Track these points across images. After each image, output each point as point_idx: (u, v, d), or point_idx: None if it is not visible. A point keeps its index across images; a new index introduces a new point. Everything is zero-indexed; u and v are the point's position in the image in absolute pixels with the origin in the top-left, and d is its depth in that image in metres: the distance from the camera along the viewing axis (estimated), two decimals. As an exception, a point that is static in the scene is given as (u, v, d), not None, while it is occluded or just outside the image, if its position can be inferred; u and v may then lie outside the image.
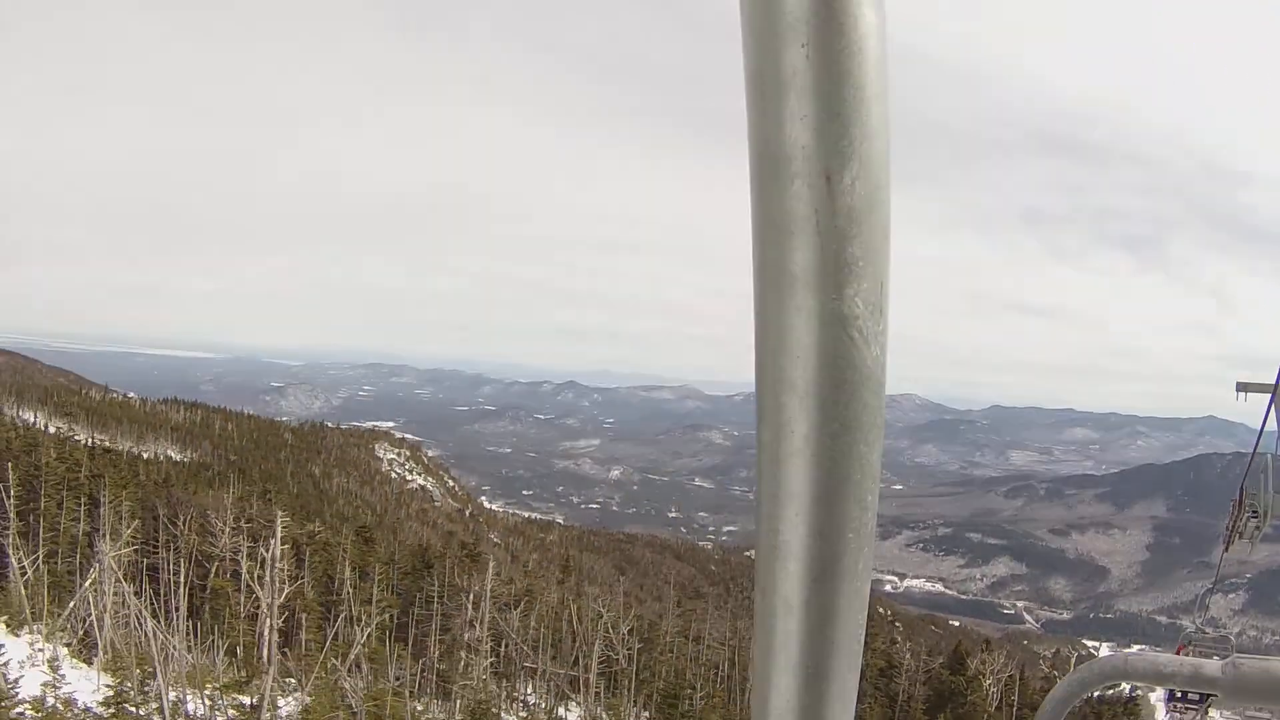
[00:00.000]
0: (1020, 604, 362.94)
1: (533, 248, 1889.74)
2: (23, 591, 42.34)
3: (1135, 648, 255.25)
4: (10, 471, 52.98)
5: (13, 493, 51.39)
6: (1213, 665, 4.26)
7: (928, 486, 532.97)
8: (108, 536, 47.70)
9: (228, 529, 56.48)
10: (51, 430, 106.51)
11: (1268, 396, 25.14)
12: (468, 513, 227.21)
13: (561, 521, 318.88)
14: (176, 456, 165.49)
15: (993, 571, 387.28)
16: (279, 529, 40.39)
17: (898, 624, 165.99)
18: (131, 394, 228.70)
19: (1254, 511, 26.67)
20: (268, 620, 37.25)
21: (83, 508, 59.18)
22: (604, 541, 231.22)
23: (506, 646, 62.53)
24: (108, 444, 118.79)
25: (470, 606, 59.88)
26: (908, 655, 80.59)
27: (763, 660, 1.45)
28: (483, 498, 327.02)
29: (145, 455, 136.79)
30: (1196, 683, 4.23)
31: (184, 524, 56.91)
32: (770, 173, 1.10)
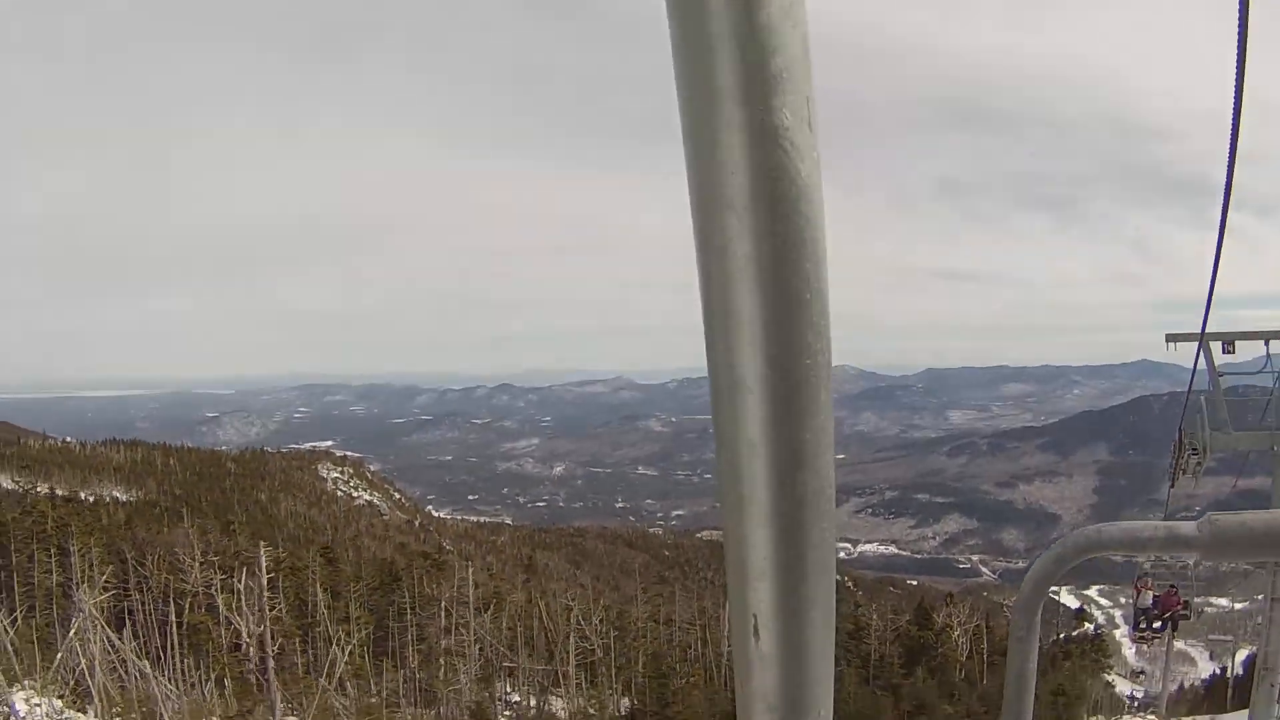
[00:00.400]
0: (975, 558, 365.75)
1: (454, 258, 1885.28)
2: (9, 647, 42.48)
3: (1094, 588, 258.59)
4: None
5: None
6: (1188, 526, 4.04)
7: (870, 453, 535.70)
8: (85, 584, 47.86)
9: (197, 564, 56.68)
10: (6, 485, 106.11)
11: (1195, 345, 26.75)
12: (417, 523, 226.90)
13: (510, 522, 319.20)
14: (123, 497, 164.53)
15: (944, 529, 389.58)
16: (264, 560, 40.78)
17: (857, 589, 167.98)
18: (69, 438, 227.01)
19: (1194, 449, 28.55)
20: (260, 650, 37.67)
21: (53, 558, 59.22)
22: (555, 538, 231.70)
23: (482, 649, 63.06)
24: (64, 493, 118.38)
25: (443, 614, 60.49)
26: (874, 616, 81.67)
27: (734, 511, 1.40)
28: (429, 507, 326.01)
29: (91, 498, 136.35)
30: (1173, 545, 4.13)
31: (153, 563, 57.13)
32: None
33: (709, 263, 1.24)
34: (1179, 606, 39.24)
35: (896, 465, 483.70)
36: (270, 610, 45.60)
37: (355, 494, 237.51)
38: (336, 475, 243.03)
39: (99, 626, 41.29)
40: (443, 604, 61.50)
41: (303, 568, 65.05)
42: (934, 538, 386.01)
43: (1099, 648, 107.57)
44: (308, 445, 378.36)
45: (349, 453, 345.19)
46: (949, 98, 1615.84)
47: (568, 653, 57.90)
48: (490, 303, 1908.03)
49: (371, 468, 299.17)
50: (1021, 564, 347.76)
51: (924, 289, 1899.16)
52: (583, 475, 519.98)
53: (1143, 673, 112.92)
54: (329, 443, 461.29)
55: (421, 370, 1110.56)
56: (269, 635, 36.40)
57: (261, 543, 49.30)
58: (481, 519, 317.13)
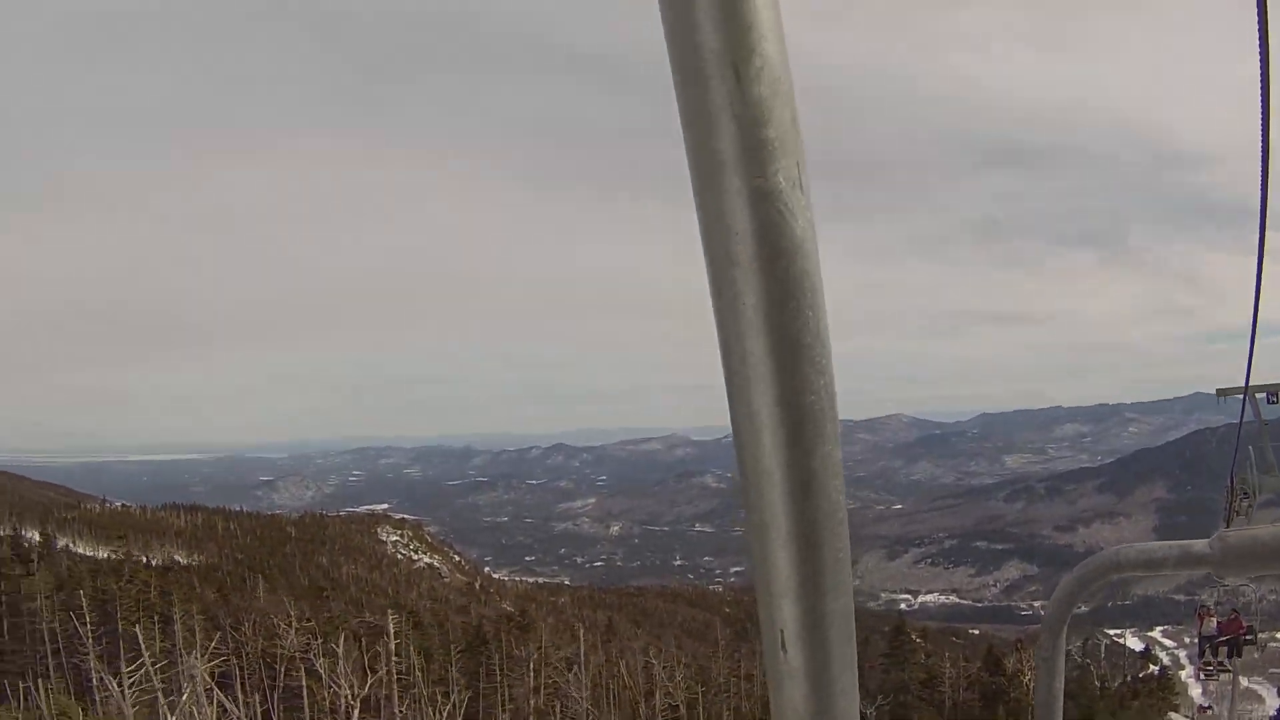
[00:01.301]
0: (1036, 604, 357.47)
1: (506, 318, 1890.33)
2: (128, 713, 43.02)
3: (1158, 629, 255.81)
4: (83, 598, 53.98)
5: (88, 618, 52.39)
6: (1200, 544, 4.38)
7: (927, 502, 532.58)
8: (195, 651, 48.58)
9: (294, 628, 57.34)
10: (81, 551, 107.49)
11: (1242, 398, 27.56)
12: (478, 585, 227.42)
13: (568, 583, 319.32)
14: (184, 560, 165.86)
15: (1004, 576, 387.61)
16: (390, 627, 41.27)
17: (924, 640, 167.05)
18: (125, 502, 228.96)
19: (1244, 492, 30.04)
20: (365, 713, 38.18)
21: (156, 625, 60.17)
22: (615, 598, 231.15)
23: (565, 706, 63.38)
24: (161, 561, 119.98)
25: (531, 674, 60.94)
26: (947, 665, 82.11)
27: (758, 536, 1.54)
28: (487, 568, 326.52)
29: (154, 562, 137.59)
30: (1186, 563, 4.42)
31: (249, 629, 57.93)
32: (689, 72, 1.24)
33: (723, 313, 1.40)
34: (1242, 632, 39.82)
35: (954, 513, 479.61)
36: (372, 674, 46.31)
37: (415, 556, 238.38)
38: (396, 538, 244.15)
39: (213, 691, 41.93)
40: (530, 664, 61.94)
41: (399, 632, 65.69)
42: (995, 585, 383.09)
43: (1165, 686, 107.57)
44: (364, 508, 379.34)
45: (405, 515, 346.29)
46: (981, 139, 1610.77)
47: (653, 710, 58.16)
48: (543, 363, 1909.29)
49: (429, 530, 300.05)
50: (1084, 608, 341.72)
51: (972, 333, 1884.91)
52: (640, 534, 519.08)
53: (1209, 708, 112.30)
54: (384, 505, 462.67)
55: (476, 432, 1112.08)
56: (393, 696, 36.89)
57: (390, 612, 50.11)
58: (539, 580, 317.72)
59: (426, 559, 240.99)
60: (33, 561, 65.66)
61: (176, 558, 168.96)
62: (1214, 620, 41.03)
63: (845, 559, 1.60)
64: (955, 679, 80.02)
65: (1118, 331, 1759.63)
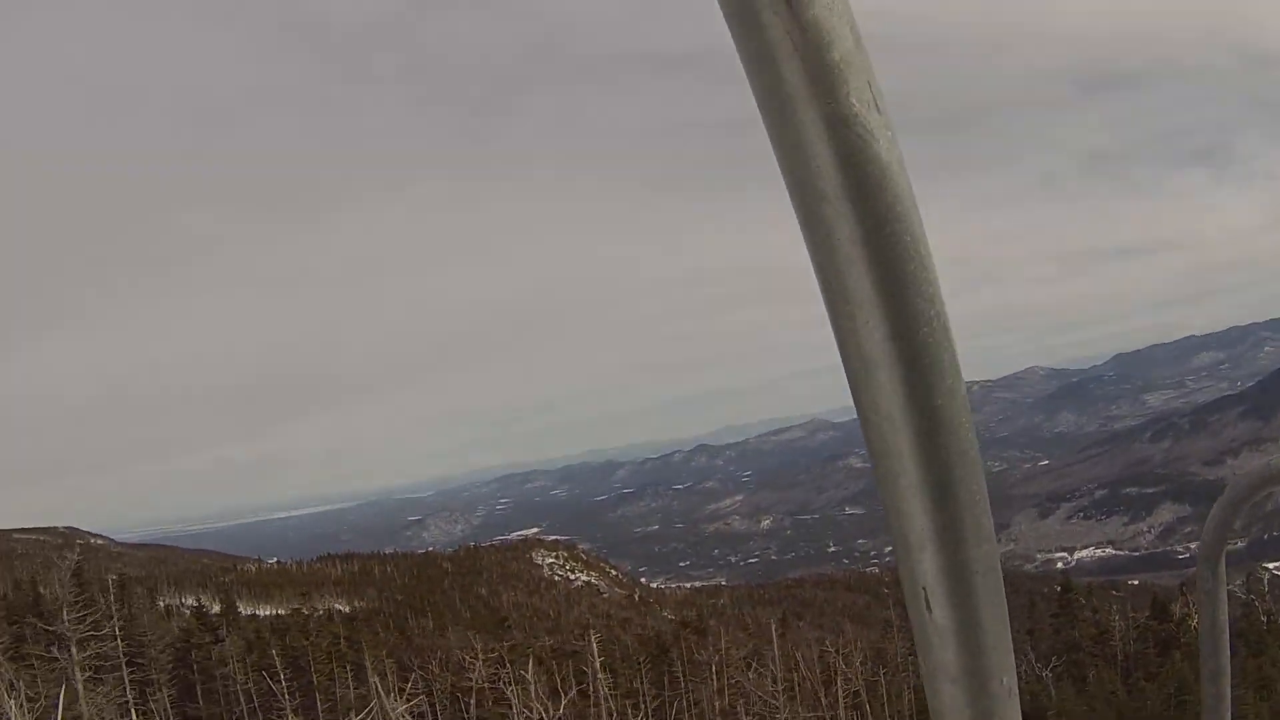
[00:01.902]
0: (1193, 546, 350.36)
1: (633, 329, 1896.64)
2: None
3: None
4: (275, 656, 55.43)
5: (282, 675, 53.88)
6: None
7: (1073, 453, 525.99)
8: (393, 693, 49.67)
9: (480, 661, 58.25)
10: (248, 612, 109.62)
11: None
12: (637, 597, 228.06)
13: (725, 583, 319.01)
14: (345, 609, 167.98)
15: (1158, 520, 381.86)
16: (594, 647, 41.94)
17: (1089, 597, 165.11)
18: (278, 559, 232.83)
19: None
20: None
21: (349, 673, 61.56)
22: (773, 592, 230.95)
23: (748, 704, 63.72)
24: (345, 609, 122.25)
25: (714, 676, 61.55)
26: (1115, 617, 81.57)
27: (888, 487, 1.44)
28: (643, 579, 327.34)
29: (319, 612, 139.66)
30: None
31: (435, 666, 59.12)
32: (739, 7, 1.25)
33: (818, 254, 1.32)
34: None
35: (1100, 462, 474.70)
36: (565, 694, 47.12)
37: (572, 576, 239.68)
38: (551, 560, 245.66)
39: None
40: (712, 667, 62.51)
41: (580, 652, 66.32)
42: (1149, 531, 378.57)
43: None
44: (515, 535, 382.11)
45: (557, 537, 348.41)
46: (1075, 69, 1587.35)
47: (834, 697, 58.45)
48: (674, 366, 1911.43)
49: (582, 548, 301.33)
50: (1241, 543, 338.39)
51: (1094, 272, 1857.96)
52: (791, 524, 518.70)
53: None
54: (534, 530, 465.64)
55: (616, 444, 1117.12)
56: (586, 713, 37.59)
57: (591, 633, 50.98)
58: (696, 584, 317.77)
59: (584, 577, 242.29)
60: (220, 628, 67.41)
61: (338, 606, 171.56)
62: None
63: (984, 501, 1.48)
64: (1125, 631, 79.32)
65: (1240, 248, 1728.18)
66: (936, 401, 1.36)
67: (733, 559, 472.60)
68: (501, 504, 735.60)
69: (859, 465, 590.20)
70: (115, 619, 54.09)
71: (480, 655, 57.09)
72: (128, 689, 54.04)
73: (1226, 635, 4.72)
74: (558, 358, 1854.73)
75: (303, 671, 60.84)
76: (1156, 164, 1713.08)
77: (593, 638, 49.76)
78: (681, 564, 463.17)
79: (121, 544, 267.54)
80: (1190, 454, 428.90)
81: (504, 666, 56.77)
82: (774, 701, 59.68)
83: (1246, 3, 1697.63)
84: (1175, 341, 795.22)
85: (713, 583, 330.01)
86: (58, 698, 38.10)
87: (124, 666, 54.74)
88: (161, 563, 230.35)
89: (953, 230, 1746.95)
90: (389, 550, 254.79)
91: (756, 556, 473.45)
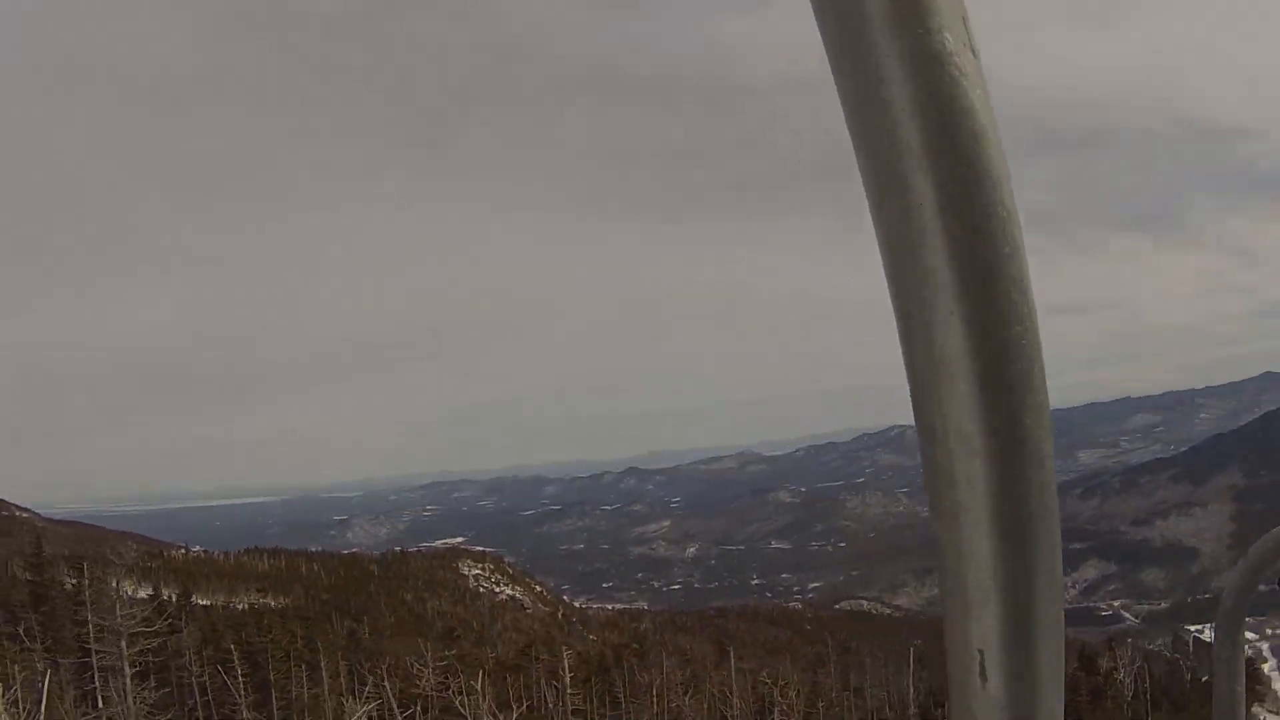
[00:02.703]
0: (1116, 603, 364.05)
1: (571, 345, 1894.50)
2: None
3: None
4: (234, 650, 56.85)
5: (239, 670, 55.29)
6: None
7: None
8: (349, 696, 51.25)
9: (430, 670, 59.62)
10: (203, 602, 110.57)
11: None
12: (560, 614, 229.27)
13: (647, 607, 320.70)
14: (272, 604, 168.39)
15: (1083, 576, 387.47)
16: (566, 662, 43.64)
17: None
18: (201, 548, 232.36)
19: None
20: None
21: (304, 672, 62.86)
22: (696, 620, 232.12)
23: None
24: (251, 606, 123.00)
25: (654, 699, 63.29)
26: None
27: (950, 524, 1.24)
28: (565, 596, 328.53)
29: (241, 606, 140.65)
30: None
31: (384, 671, 60.54)
32: None
33: (888, 221, 1.12)
34: None
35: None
36: (518, 706, 48.90)
37: (498, 589, 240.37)
38: (478, 571, 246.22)
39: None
40: (653, 690, 64.22)
41: (526, 666, 67.96)
42: (1073, 586, 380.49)
43: (1253, 676, 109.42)
44: (439, 542, 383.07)
45: (481, 548, 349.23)
46: (1026, 125, 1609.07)
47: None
48: (611, 386, 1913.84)
49: (508, 561, 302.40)
50: (1164, 605, 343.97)
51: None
52: (716, 554, 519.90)
53: None
54: (460, 539, 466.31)
55: (547, 460, 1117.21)
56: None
57: (564, 648, 52.80)
58: (619, 606, 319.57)
59: (509, 591, 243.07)
60: (179, 618, 68.25)
61: (265, 601, 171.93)
62: None
63: (1058, 549, 1.28)
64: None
65: (1181, 314, 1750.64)
66: (1024, 420, 1.15)
67: (656, 584, 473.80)
68: (428, 510, 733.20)
69: (788, 500, 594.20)
70: (88, 605, 55.25)
71: (430, 664, 58.61)
72: (95, 676, 55.19)
73: (1242, 707, 4.78)
74: (495, 368, 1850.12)
75: (259, 668, 62.09)
76: (1101, 225, 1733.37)
77: (565, 655, 51.61)
78: (604, 585, 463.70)
79: (46, 519, 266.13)
80: (1119, 513, 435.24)
81: (455, 676, 58.45)
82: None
83: (1198, 76, 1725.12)
84: (1111, 401, 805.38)
85: (635, 606, 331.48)
86: (41, 686, 39.20)
87: (93, 654, 55.93)
88: (88, 542, 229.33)
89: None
90: (313, 548, 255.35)
91: (680, 583, 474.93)
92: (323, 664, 61.01)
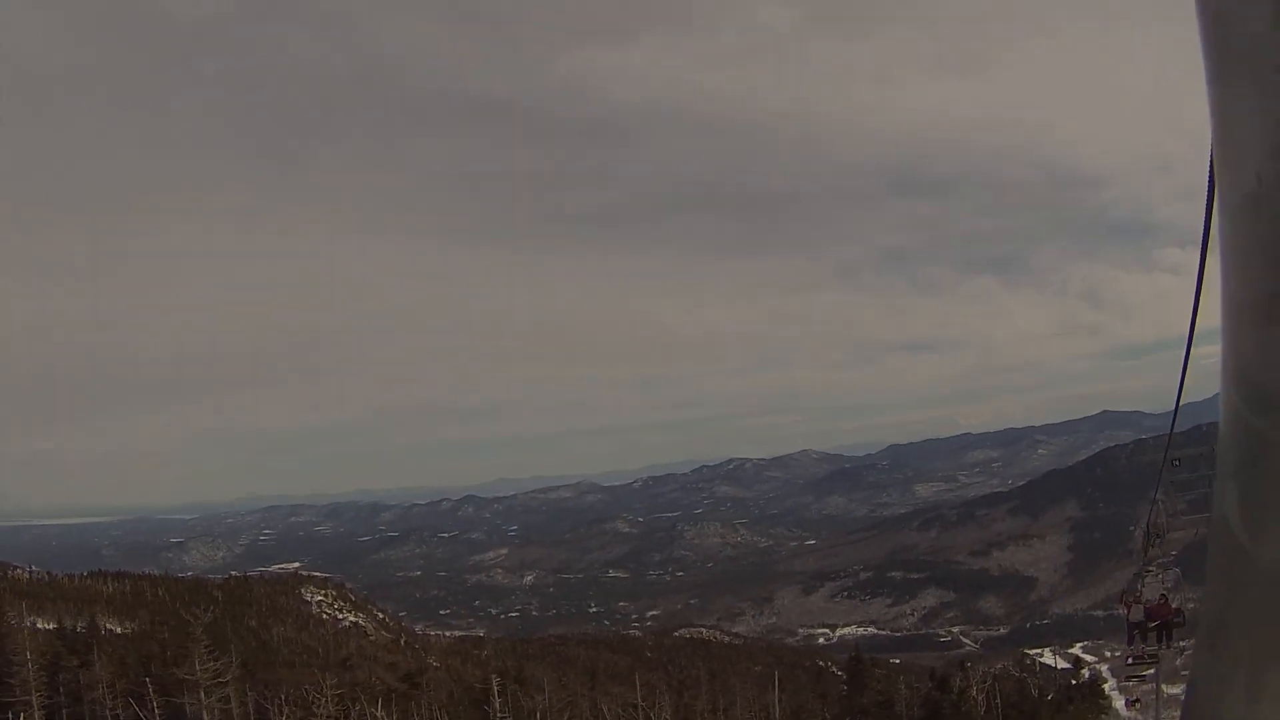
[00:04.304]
0: (955, 629, 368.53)
1: (410, 371, 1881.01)
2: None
3: (1078, 646, 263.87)
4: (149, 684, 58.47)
5: (154, 701, 57.06)
6: None
7: (841, 535, 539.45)
8: None
9: (327, 698, 61.63)
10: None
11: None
12: (403, 641, 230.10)
13: (484, 634, 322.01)
14: (118, 629, 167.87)
15: (921, 604, 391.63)
16: (495, 688, 46.58)
17: (836, 670, 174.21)
18: (35, 568, 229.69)
19: (1158, 535, 33.57)
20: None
21: (217, 703, 64.20)
22: (537, 648, 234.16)
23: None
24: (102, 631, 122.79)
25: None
26: (901, 687, 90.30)
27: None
28: (403, 623, 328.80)
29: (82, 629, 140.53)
30: None
31: (283, 699, 62.81)
32: None
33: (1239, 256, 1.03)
34: (1171, 615, 39.61)
35: (868, 545, 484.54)
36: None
37: (340, 615, 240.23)
38: (320, 598, 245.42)
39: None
40: (536, 715, 67.31)
41: (399, 692, 70.58)
42: (912, 614, 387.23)
43: (1096, 691, 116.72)
44: (275, 567, 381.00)
45: (316, 573, 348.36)
46: (887, 169, 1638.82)
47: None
48: (450, 414, 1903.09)
49: (349, 588, 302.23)
50: (1003, 630, 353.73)
51: (880, 363, 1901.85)
52: (554, 582, 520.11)
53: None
54: (296, 564, 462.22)
55: (385, 486, 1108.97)
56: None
57: (493, 677, 55.56)
58: (457, 633, 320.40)
59: (352, 617, 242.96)
60: (89, 650, 68.69)
61: (111, 626, 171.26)
62: (1141, 606, 40.26)
63: None
64: (910, 699, 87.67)
65: (1025, 354, 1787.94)
66: None
67: (493, 610, 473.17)
68: (265, 535, 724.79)
69: (625, 529, 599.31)
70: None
71: (327, 692, 60.94)
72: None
73: None
74: (335, 392, 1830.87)
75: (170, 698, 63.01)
76: (953, 267, 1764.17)
77: (494, 681, 54.78)
78: (442, 612, 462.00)
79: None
80: (956, 544, 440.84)
81: (353, 703, 61.13)
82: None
83: (1059, 124, 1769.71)
84: (951, 437, 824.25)
85: (473, 633, 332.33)
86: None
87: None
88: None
89: (743, 308, 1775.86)
90: (149, 570, 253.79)
91: (518, 610, 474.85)
92: (231, 692, 62.67)
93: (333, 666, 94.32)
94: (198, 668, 62.00)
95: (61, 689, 60.23)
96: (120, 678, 65.30)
